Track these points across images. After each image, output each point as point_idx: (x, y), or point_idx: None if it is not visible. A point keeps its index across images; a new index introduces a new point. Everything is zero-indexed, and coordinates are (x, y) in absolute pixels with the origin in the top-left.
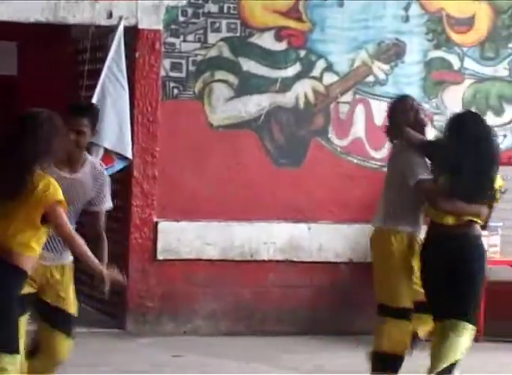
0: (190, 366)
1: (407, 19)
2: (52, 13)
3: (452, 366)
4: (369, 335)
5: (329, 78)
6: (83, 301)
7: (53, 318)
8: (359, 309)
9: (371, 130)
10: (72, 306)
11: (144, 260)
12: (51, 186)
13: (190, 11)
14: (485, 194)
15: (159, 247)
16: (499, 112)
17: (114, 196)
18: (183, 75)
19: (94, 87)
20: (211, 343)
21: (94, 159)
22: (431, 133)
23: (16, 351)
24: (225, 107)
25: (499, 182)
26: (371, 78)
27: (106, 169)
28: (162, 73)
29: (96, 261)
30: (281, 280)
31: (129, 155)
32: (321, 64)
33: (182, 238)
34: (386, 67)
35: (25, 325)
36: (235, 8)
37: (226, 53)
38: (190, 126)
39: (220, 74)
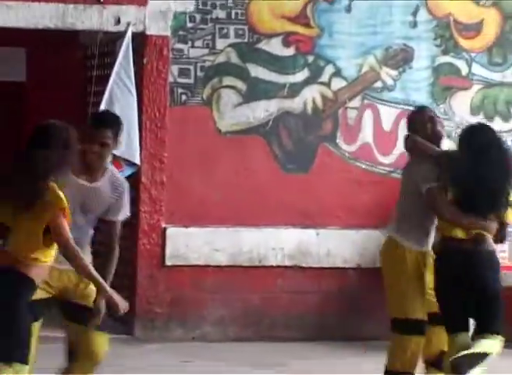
0: (198, 372)
1: (414, 24)
2: (61, 19)
3: (482, 356)
4: (377, 340)
5: (337, 83)
6: None
7: (84, 317)
8: (367, 315)
9: (380, 135)
10: (88, 300)
11: (152, 266)
12: (54, 194)
13: (198, 17)
14: (498, 208)
15: (167, 253)
16: (507, 117)
17: None
18: (191, 81)
19: (102, 93)
20: (219, 349)
21: (115, 170)
22: (446, 145)
23: (25, 360)
24: (234, 113)
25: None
26: (379, 84)
27: None
28: (170, 78)
29: (97, 276)
30: (289, 286)
31: (138, 161)
32: (329, 69)
33: (190, 244)
34: (394, 73)
35: (38, 331)
36: (243, 14)
37: (234, 59)
38: (198, 132)
39: (228, 80)
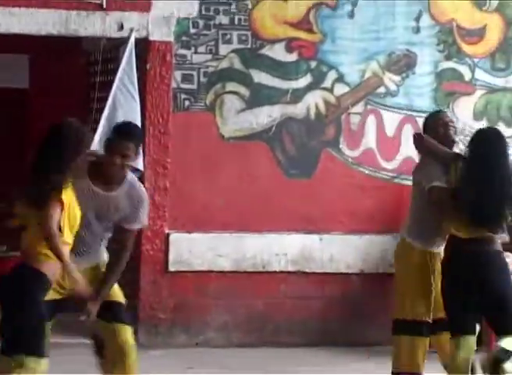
0: None
1: (417, 30)
2: (64, 26)
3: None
4: (380, 346)
5: (340, 89)
6: None
7: (106, 312)
8: (370, 320)
9: (383, 140)
10: (119, 296)
11: (155, 272)
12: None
13: (201, 23)
14: (502, 220)
15: (171, 258)
16: (510, 123)
17: None
18: (195, 87)
19: (105, 99)
20: (223, 355)
21: (134, 179)
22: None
23: (42, 354)
24: (237, 118)
25: None
26: (382, 89)
27: None
28: (173, 84)
29: (74, 270)
30: (292, 292)
31: (141, 166)
32: (332, 75)
33: (193, 250)
34: (397, 78)
35: (49, 332)
36: (246, 20)
37: (237, 65)
38: (201, 137)
39: (231, 86)
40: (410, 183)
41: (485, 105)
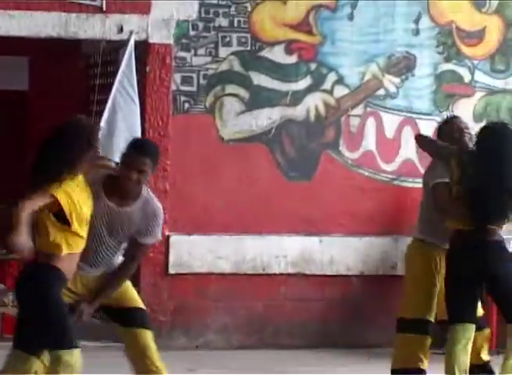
0: None
1: (417, 32)
2: (63, 28)
3: None
4: (380, 348)
5: (340, 91)
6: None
7: (126, 318)
8: (370, 322)
9: (382, 142)
10: (139, 302)
11: (155, 274)
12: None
13: (200, 25)
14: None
15: (171, 261)
16: (509, 124)
17: None
18: (194, 89)
19: (105, 101)
20: (223, 357)
21: (150, 195)
22: None
23: (73, 345)
24: (236, 121)
25: None
26: (381, 91)
27: None
28: (173, 87)
29: (21, 233)
30: (292, 294)
31: None
32: (331, 77)
33: (193, 252)
34: (397, 80)
35: None
36: (245, 22)
37: (237, 67)
38: (201, 140)
39: (231, 88)
40: (409, 185)
41: (485, 107)
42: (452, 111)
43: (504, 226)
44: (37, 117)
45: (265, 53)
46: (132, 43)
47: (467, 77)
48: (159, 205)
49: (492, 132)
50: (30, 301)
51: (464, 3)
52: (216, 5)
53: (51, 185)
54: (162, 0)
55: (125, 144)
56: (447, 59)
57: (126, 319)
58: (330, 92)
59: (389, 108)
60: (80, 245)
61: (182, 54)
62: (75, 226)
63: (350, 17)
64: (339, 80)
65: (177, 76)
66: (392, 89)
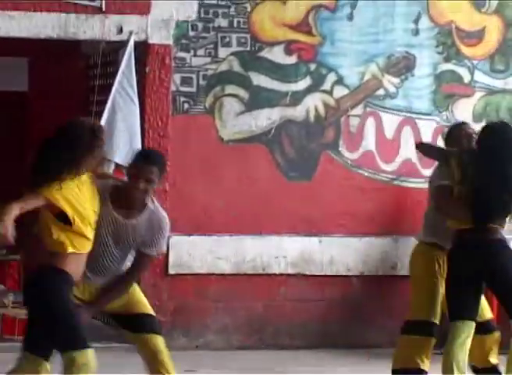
0: None
1: (416, 32)
2: (63, 29)
3: None
4: (380, 348)
5: (340, 91)
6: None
7: (133, 324)
8: (370, 323)
9: (382, 143)
10: (145, 306)
11: (155, 275)
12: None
13: (200, 25)
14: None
15: (171, 261)
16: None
17: None
18: (194, 89)
19: (104, 102)
20: (223, 357)
21: (156, 206)
22: None
23: (85, 346)
24: (236, 121)
25: None
26: (381, 91)
27: None
28: (173, 87)
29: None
30: (292, 294)
31: None
32: (331, 77)
33: (193, 252)
34: (396, 80)
35: None
36: (245, 23)
37: (237, 67)
38: (200, 140)
39: (230, 88)
40: (409, 185)
41: (485, 107)
42: (451, 111)
43: (506, 226)
44: (36, 118)
45: (265, 53)
46: (131, 43)
47: (466, 77)
48: (165, 217)
49: (492, 131)
50: (39, 305)
51: (463, 3)
52: (216, 5)
53: (50, 185)
54: (162, 0)
55: (124, 145)
56: (447, 59)
57: (135, 325)
58: (330, 92)
59: (388, 109)
60: (85, 246)
61: (181, 54)
62: (77, 225)
63: (350, 17)
64: (339, 81)
65: (177, 77)
66: (392, 89)
